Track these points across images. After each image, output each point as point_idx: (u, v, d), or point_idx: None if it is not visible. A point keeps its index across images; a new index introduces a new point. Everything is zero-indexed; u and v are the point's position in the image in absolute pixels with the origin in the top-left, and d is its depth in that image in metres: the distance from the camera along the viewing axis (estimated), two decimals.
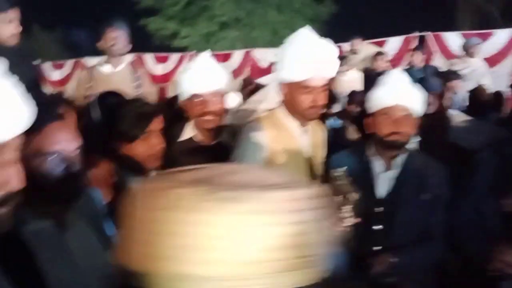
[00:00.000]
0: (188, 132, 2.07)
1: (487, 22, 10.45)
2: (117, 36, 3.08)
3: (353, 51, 6.83)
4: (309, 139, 1.92)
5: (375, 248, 1.84)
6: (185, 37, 13.53)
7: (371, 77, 5.90)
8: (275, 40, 9.58)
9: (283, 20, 12.75)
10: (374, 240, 1.85)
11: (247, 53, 9.62)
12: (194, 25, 13.36)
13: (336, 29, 8.60)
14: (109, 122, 1.67)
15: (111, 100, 1.94)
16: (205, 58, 2.06)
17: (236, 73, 9.77)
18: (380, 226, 1.86)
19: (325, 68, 1.81)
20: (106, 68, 3.17)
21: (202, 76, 1.99)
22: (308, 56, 1.75)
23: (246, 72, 9.48)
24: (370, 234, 1.85)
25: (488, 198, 1.73)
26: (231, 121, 2.33)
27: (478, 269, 1.63)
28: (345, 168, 1.73)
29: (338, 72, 6.27)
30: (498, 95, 4.56)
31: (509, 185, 1.62)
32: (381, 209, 1.87)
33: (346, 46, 7.52)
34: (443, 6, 10.28)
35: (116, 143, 1.61)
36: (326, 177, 1.85)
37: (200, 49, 11.46)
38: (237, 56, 9.70)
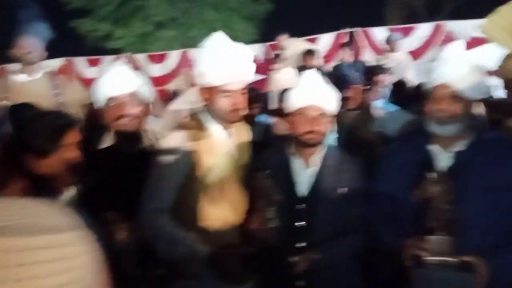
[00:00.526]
0: (107, 140, 2.03)
1: (413, 17, 11.04)
2: (32, 44, 2.94)
3: (281, 48, 6.93)
4: (234, 142, 1.95)
5: (298, 244, 1.90)
6: (120, 38, 13.14)
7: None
8: None
9: (220, 19, 12.74)
10: (298, 236, 1.91)
11: (184, 53, 9.53)
12: (129, 26, 13.00)
13: (273, 27, 8.72)
14: (21, 136, 1.61)
15: (23, 113, 1.86)
16: (120, 63, 2.05)
17: (173, 73, 9.66)
18: (303, 223, 1.92)
19: (242, 72, 1.84)
20: (21, 77, 3.02)
21: (116, 79, 1.98)
22: (225, 61, 1.78)
23: (184, 73, 9.40)
24: (293, 231, 1.91)
25: (400, 188, 1.83)
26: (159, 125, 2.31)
27: (393, 258, 1.73)
28: (268, 171, 1.79)
29: (273, 70, 6.42)
30: (421, 87, 4.83)
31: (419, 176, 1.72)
32: (303, 206, 1.94)
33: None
34: (372, 2, 10.72)
35: (28, 159, 1.55)
36: (251, 179, 1.91)
37: (136, 50, 11.25)
38: (174, 56, 9.58)
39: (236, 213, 1.91)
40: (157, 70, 9.69)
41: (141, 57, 9.96)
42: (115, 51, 11.23)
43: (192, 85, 4.39)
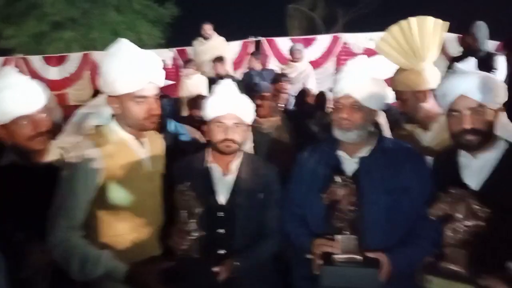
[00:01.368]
0: (8, 156, 1.88)
1: (312, 28, 11.71)
2: None
3: (205, 36, 6.93)
4: (148, 152, 1.93)
5: (220, 251, 1.94)
6: (11, 37, 12.07)
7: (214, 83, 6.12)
8: None
9: (124, 21, 12.32)
10: (219, 243, 1.95)
11: (85, 56, 9.06)
12: (21, 25, 11.99)
13: (179, 32, 8.66)
14: None
15: None
16: (22, 78, 1.88)
17: (74, 77, 9.14)
18: (223, 230, 1.96)
19: (155, 77, 1.83)
20: None
21: (25, 95, 1.83)
22: (136, 67, 1.75)
23: (85, 76, 8.94)
24: (215, 238, 1.94)
25: (311, 192, 1.94)
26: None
27: (305, 258, 1.83)
28: (189, 183, 1.80)
29: (184, 76, 6.37)
30: (321, 95, 5.18)
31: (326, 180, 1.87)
32: (222, 213, 1.98)
33: (190, 49, 7.68)
34: (275, 13, 11.18)
35: None
36: (168, 190, 1.89)
37: (30, 51, 10.41)
38: (74, 59, 9.07)
39: (153, 226, 1.89)
40: (55, 73, 9.10)
41: (35, 59, 9.27)
42: (5, 52, 10.31)
43: (97, 92, 4.19)
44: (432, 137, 2.35)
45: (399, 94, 2.44)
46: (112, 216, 1.80)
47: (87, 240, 1.75)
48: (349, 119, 1.86)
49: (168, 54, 8.34)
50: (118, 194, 1.80)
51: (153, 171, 1.94)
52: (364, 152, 1.91)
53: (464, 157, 1.80)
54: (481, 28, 4.00)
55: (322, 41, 7.97)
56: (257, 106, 3.37)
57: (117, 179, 1.79)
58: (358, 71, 1.90)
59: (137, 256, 1.78)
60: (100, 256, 1.70)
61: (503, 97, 1.73)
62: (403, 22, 2.46)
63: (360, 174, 1.86)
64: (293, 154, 3.00)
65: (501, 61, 3.73)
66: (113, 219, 1.80)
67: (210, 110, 2.04)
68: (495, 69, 3.70)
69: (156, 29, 13.20)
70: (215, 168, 2.05)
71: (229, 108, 2.01)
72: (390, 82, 2.49)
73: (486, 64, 3.69)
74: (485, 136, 1.71)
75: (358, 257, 1.69)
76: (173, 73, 8.01)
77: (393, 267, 1.73)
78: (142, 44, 11.72)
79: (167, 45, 9.76)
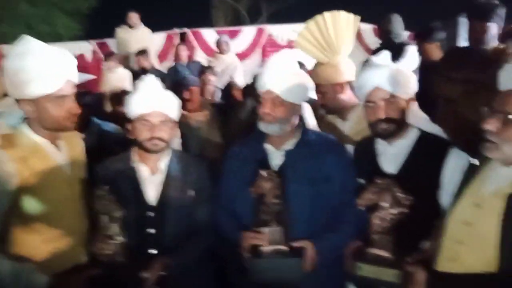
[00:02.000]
0: None
1: (237, 20, 11.74)
2: None
3: (130, 25, 6.67)
4: (65, 156, 1.84)
5: (150, 251, 1.90)
6: None
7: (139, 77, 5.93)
8: (31, 36, 8.59)
9: (38, 14, 11.51)
10: (150, 243, 1.91)
11: None
12: None
13: (99, 24, 8.27)
14: None
15: None
16: None
17: None
18: (153, 230, 1.92)
19: (71, 74, 1.75)
20: None
21: None
22: (52, 66, 1.67)
23: None
24: (145, 238, 1.90)
25: (240, 186, 1.95)
26: None
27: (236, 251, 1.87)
28: (107, 186, 1.74)
29: (106, 69, 6.10)
30: (249, 87, 5.18)
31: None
32: (152, 214, 1.93)
33: (112, 42, 7.37)
34: (199, 4, 11.03)
35: None
36: (89, 196, 1.81)
37: None
38: None
39: (77, 233, 1.81)
40: None
41: None
42: None
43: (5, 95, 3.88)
44: (351, 126, 2.48)
45: (318, 87, 2.53)
46: (28, 226, 1.70)
47: (3, 253, 1.63)
48: (271, 114, 1.90)
49: (87, 47, 7.93)
50: (31, 203, 1.69)
51: (72, 175, 1.85)
52: (290, 145, 1.97)
53: (381, 145, 1.92)
54: (396, 20, 4.24)
55: (247, 33, 8.01)
56: (185, 100, 3.34)
57: (32, 187, 1.69)
58: (278, 66, 1.94)
59: (62, 266, 1.69)
60: (20, 269, 1.60)
61: (413, 88, 1.86)
62: (318, 17, 2.55)
63: (286, 167, 1.91)
64: (223, 148, 3.03)
65: (411, 51, 3.98)
66: (30, 230, 1.70)
67: (134, 107, 1.97)
68: (405, 57, 3.94)
69: (73, 21, 12.49)
70: (142, 168, 1.99)
71: (154, 105, 1.95)
72: (311, 75, 2.57)
73: (400, 54, 3.93)
74: (398, 125, 1.83)
75: (283, 247, 1.75)
76: (93, 67, 7.63)
77: (318, 254, 1.80)
78: (59, 38, 11.08)
79: (86, 37, 9.26)
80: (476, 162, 1.56)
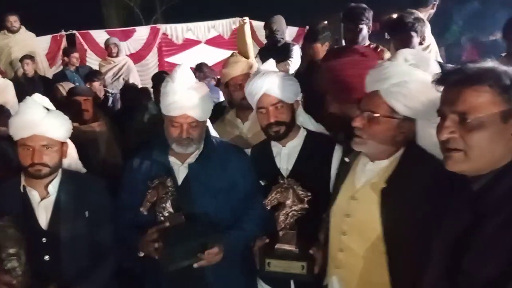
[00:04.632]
0: None
1: (131, 19, 11.33)
2: None
3: (10, 29, 6.07)
4: None
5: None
6: None
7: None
8: None
9: None
10: (47, 271, 1.82)
11: None
12: None
13: None
14: None
15: None
16: None
17: None
18: (47, 257, 1.85)
19: None
20: None
21: None
22: None
23: None
24: (42, 266, 1.82)
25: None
26: None
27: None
28: (9, 216, 1.65)
29: None
30: (145, 90, 5.03)
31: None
32: (45, 239, 1.85)
33: None
34: (89, 3, 10.43)
35: None
36: None
37: None
38: None
39: None
40: None
41: None
42: None
43: None
44: (249, 126, 2.58)
45: (232, 81, 2.60)
46: None
47: None
48: (190, 137, 1.89)
49: None
50: None
51: None
52: (193, 157, 1.97)
53: (275, 146, 2.05)
54: (279, 21, 4.49)
55: (141, 32, 7.79)
56: (78, 112, 3.19)
57: None
58: (187, 88, 1.90)
59: None
60: None
61: (297, 92, 2.02)
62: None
63: (190, 180, 1.94)
64: (123, 158, 2.96)
65: (296, 51, 4.28)
66: None
67: (14, 131, 1.85)
68: (292, 58, 4.22)
69: None
70: (32, 192, 1.89)
71: (35, 129, 1.81)
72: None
73: (284, 54, 4.20)
74: (288, 127, 1.97)
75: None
76: None
77: (227, 249, 1.84)
78: None
79: None
80: (347, 159, 1.74)
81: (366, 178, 1.63)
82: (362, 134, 1.56)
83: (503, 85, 1.09)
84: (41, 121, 1.84)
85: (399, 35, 2.92)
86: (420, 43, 2.92)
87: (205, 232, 1.82)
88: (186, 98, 1.87)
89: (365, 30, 3.11)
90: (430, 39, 3.23)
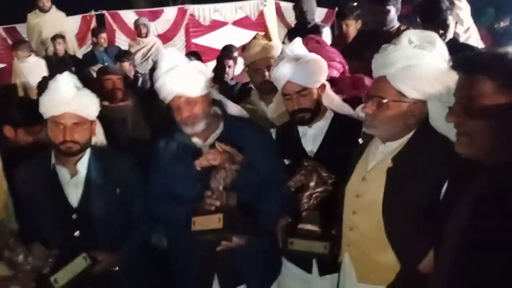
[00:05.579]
0: None
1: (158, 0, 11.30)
2: None
3: (42, 8, 6.20)
4: None
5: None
6: None
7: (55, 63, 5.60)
8: None
9: None
10: (78, 246, 1.86)
11: None
12: None
13: (7, 8, 7.62)
14: None
15: None
16: None
17: None
18: (78, 232, 1.90)
19: None
20: None
21: None
22: None
23: None
24: (72, 241, 1.88)
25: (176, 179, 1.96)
26: None
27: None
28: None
29: (17, 59, 5.63)
30: None
31: None
32: (75, 216, 1.90)
33: (21, 27, 6.85)
34: None
35: None
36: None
37: None
38: None
39: None
40: None
41: None
42: None
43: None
44: (273, 108, 2.57)
45: (253, 66, 2.56)
46: None
47: None
48: (191, 115, 1.87)
49: None
50: None
51: None
52: (212, 137, 1.96)
53: (301, 127, 2.05)
54: (310, 1, 4.40)
55: (169, 13, 7.74)
56: (110, 91, 3.23)
57: None
58: (174, 67, 1.87)
59: None
60: None
61: (324, 75, 2.00)
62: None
63: None
64: (151, 138, 2.99)
65: (326, 33, 4.21)
66: None
67: (45, 108, 1.88)
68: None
69: None
70: (62, 170, 1.93)
71: (67, 107, 1.84)
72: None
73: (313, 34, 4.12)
74: (313, 112, 1.98)
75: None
76: (2, 55, 7.07)
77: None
78: None
79: None
80: (360, 140, 1.75)
81: (377, 160, 1.63)
82: (373, 120, 1.55)
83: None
84: (72, 99, 1.87)
85: (432, 20, 2.80)
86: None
87: None
88: (175, 78, 1.83)
89: (393, 12, 3.03)
90: (469, 22, 3.12)
